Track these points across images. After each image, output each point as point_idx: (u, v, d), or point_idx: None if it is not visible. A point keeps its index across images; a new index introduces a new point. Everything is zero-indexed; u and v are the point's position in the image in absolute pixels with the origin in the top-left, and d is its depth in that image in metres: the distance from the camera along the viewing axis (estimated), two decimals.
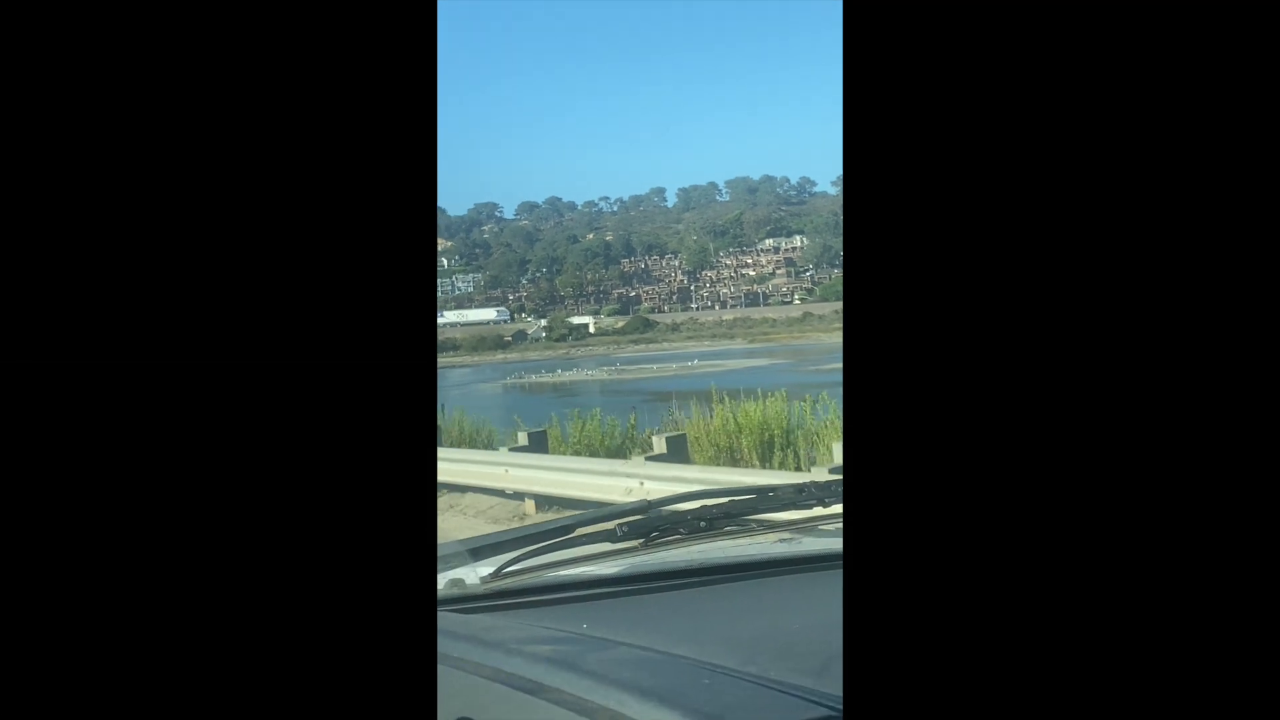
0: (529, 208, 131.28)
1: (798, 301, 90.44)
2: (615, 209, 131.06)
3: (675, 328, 78.68)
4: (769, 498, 1.49)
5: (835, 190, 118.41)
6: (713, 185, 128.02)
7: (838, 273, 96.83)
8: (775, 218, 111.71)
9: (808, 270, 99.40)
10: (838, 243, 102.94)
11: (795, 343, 61.04)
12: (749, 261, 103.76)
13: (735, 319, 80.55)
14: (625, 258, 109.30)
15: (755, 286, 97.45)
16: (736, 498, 1.46)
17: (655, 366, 45.19)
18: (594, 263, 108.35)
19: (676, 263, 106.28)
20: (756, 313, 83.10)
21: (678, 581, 1.24)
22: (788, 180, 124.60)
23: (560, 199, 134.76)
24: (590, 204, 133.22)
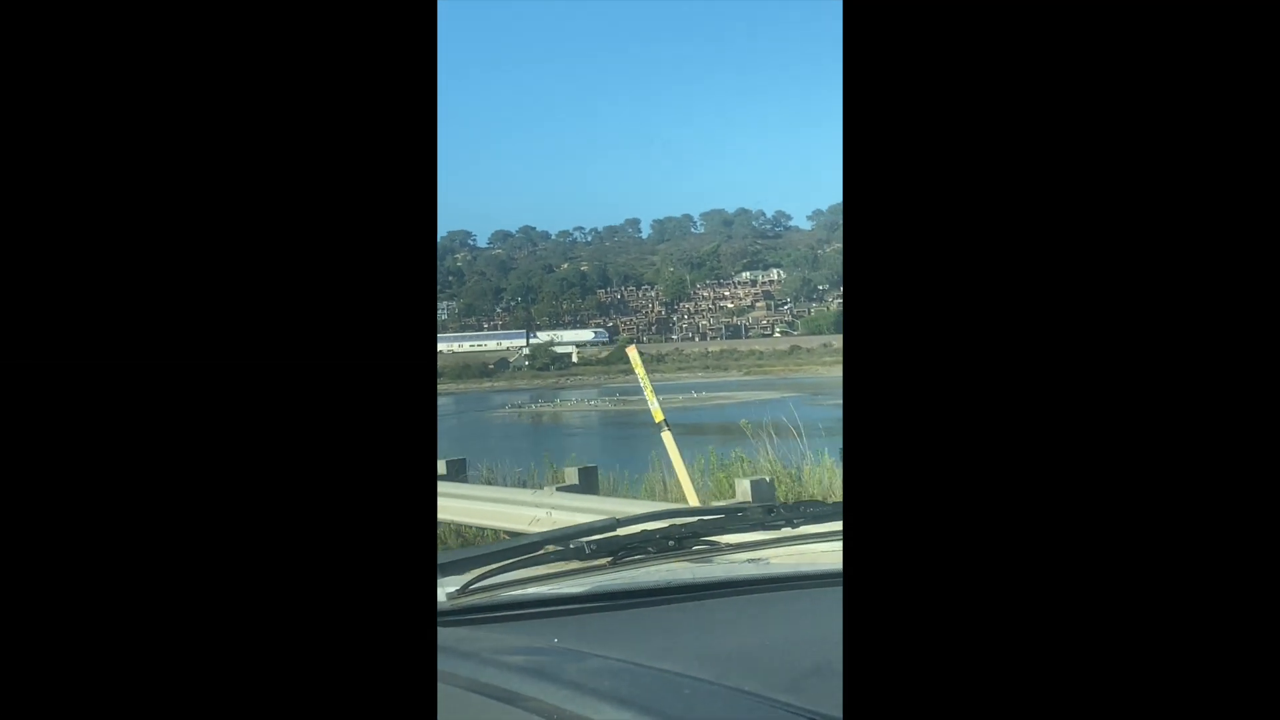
0: (502, 236, 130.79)
1: (778, 334, 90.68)
2: (590, 239, 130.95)
3: (661, 358, 78.35)
4: (737, 518, 1.50)
5: (810, 224, 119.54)
6: (687, 217, 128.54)
7: (817, 306, 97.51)
8: (751, 250, 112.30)
9: (786, 303, 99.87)
10: (816, 276, 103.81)
11: (796, 375, 60.93)
12: (726, 294, 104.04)
13: (721, 350, 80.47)
14: (601, 288, 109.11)
15: (735, 319, 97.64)
16: (705, 518, 1.48)
17: (661, 397, 44.29)
18: (570, 292, 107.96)
19: (653, 293, 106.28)
20: (742, 345, 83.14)
21: (646, 599, 1.23)
22: (763, 213, 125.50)
23: (534, 228, 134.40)
24: (564, 234, 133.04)
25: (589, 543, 1.35)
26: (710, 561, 1.46)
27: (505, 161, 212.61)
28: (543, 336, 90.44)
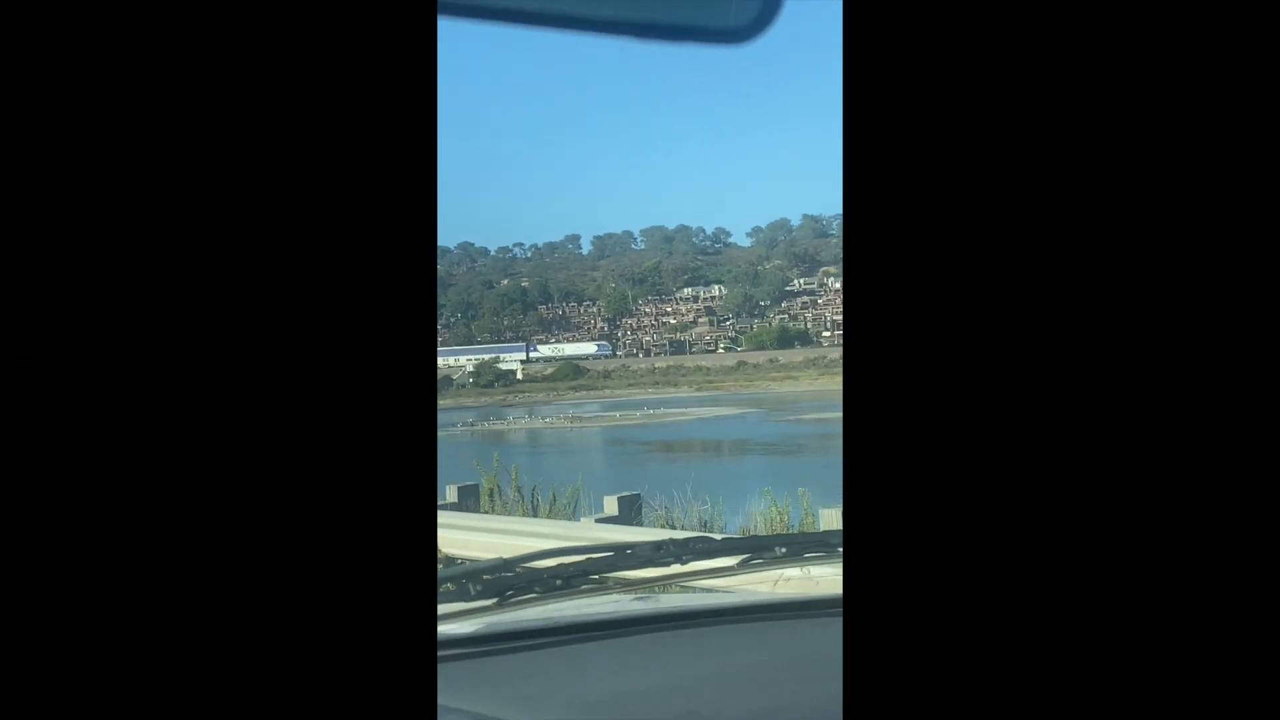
0: (441, 253, 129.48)
1: (721, 350, 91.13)
2: (529, 255, 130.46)
3: (608, 374, 78.17)
4: (627, 556, 1.49)
5: (750, 241, 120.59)
6: (628, 234, 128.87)
7: (759, 322, 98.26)
8: (692, 267, 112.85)
9: (728, 319, 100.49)
10: (757, 292, 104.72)
11: (747, 391, 61.23)
12: (669, 310, 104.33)
13: (668, 366, 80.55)
14: (542, 304, 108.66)
15: (678, 335, 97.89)
16: (594, 555, 1.47)
17: (619, 414, 44.55)
18: (511, 308, 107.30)
19: (595, 309, 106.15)
20: (689, 361, 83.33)
21: (528, 642, 1.24)
22: (703, 230, 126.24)
23: (473, 244, 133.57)
24: (504, 249, 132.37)
25: (475, 583, 1.34)
26: (600, 598, 1.46)
27: (442, 178, 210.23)
28: (544, 350, 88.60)
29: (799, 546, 1.63)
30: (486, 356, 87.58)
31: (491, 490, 8.48)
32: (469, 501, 8.04)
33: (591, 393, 68.45)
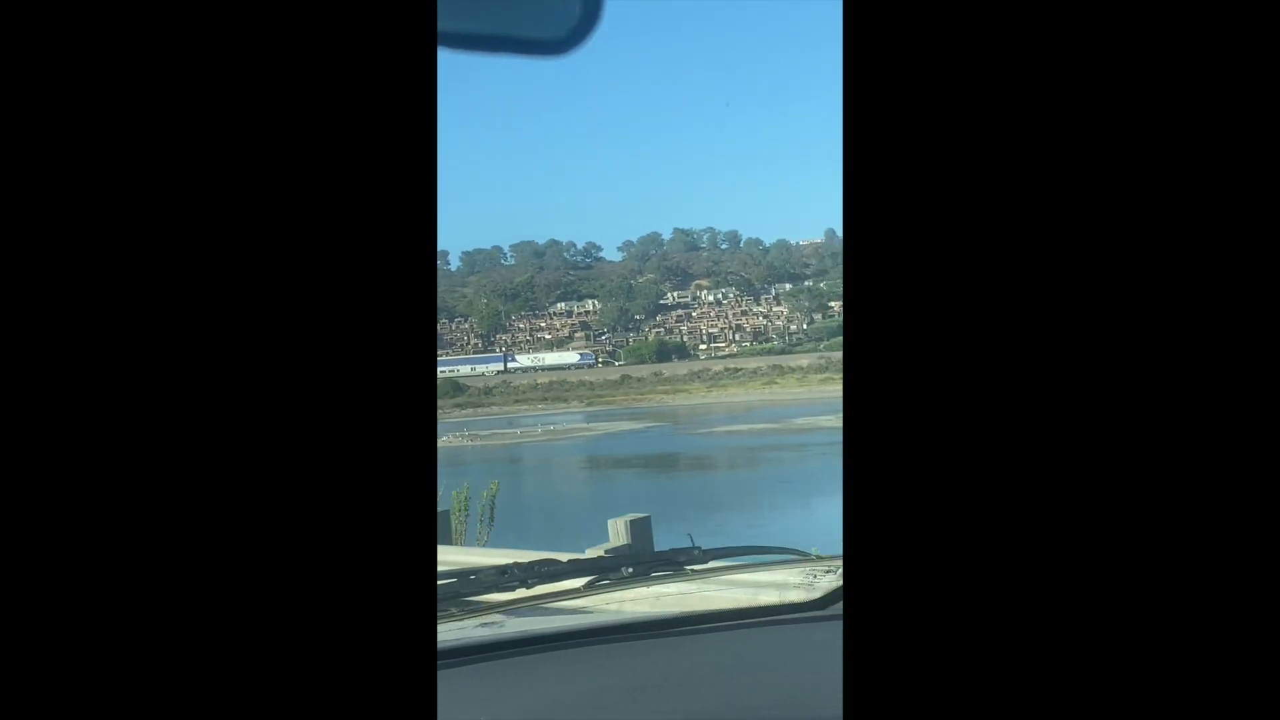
0: None
1: (600, 364, 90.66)
2: None
3: (489, 391, 76.47)
4: (470, 581, 1.49)
5: (621, 255, 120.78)
6: (497, 249, 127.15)
7: (635, 336, 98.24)
8: (565, 282, 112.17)
9: (604, 334, 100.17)
10: (632, 305, 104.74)
11: (640, 405, 60.76)
12: (543, 325, 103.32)
13: (551, 382, 79.42)
14: None
15: (555, 350, 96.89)
16: (439, 582, 1.46)
17: (520, 431, 43.59)
18: None
19: (468, 325, 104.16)
20: (571, 376, 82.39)
21: None
22: (574, 245, 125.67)
23: None
24: None
25: None
26: (442, 625, 1.42)
27: None
28: (524, 360, 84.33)
29: (645, 566, 1.62)
30: (464, 369, 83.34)
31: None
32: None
33: (478, 410, 66.58)
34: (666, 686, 1.26)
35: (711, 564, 1.74)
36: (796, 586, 1.80)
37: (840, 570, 1.75)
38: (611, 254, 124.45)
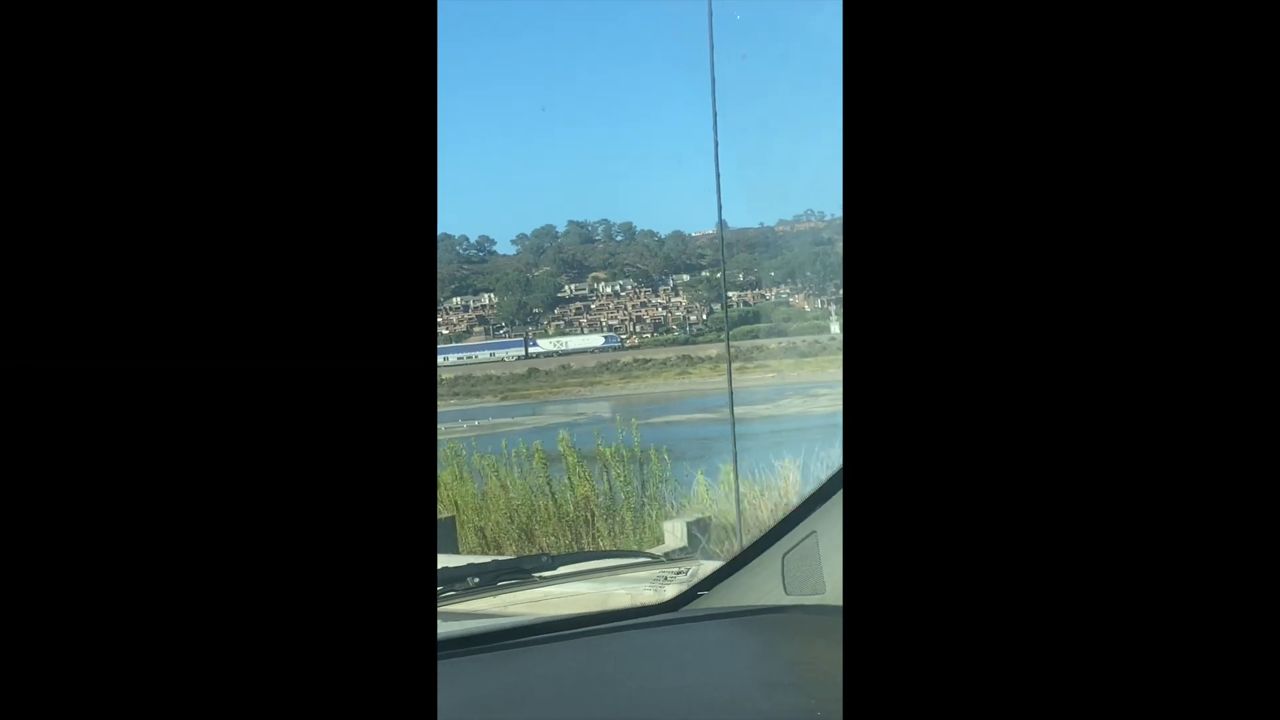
0: None
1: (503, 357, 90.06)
2: None
3: None
4: None
5: (515, 249, 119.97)
6: None
7: (534, 329, 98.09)
8: (459, 276, 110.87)
9: (502, 328, 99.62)
10: (530, 299, 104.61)
11: (559, 398, 60.95)
12: (440, 320, 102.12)
13: (456, 377, 78.54)
14: None
15: (454, 345, 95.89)
16: None
17: (444, 426, 43.57)
18: None
19: None
20: (476, 370, 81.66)
21: None
22: (467, 239, 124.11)
23: None
24: None
25: None
26: None
27: None
28: (544, 344, 79.03)
29: (491, 576, 1.62)
30: (481, 355, 78.70)
31: None
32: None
33: None
34: (504, 701, 1.17)
35: (560, 570, 1.73)
36: (647, 590, 1.79)
37: (690, 573, 1.78)
38: (505, 247, 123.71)
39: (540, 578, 1.63)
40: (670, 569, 1.85)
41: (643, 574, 1.92)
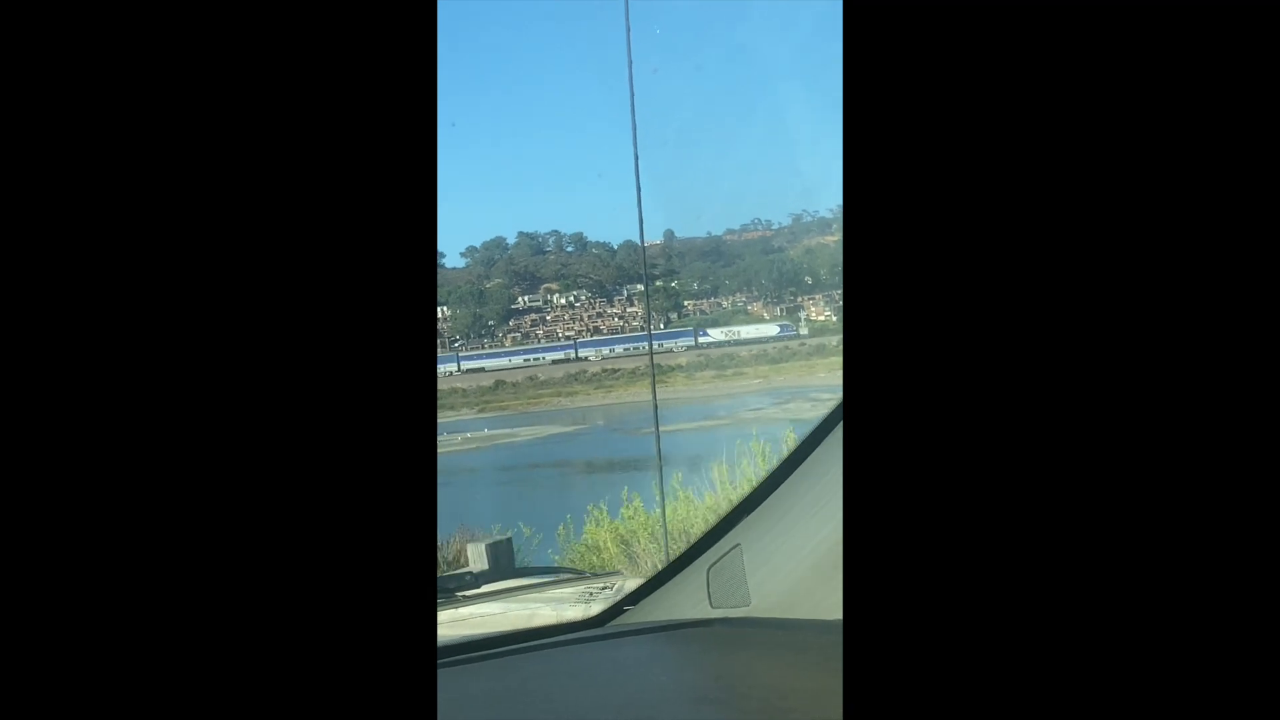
0: None
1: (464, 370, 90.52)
2: None
3: None
4: None
5: (465, 261, 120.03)
6: None
7: (489, 342, 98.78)
8: None
9: (457, 340, 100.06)
10: (485, 311, 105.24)
11: (539, 409, 62.27)
12: None
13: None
14: None
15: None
16: None
17: (442, 436, 45.11)
18: None
19: None
20: (443, 383, 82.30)
21: None
22: None
23: None
24: None
25: None
26: None
27: None
28: (714, 334, 75.47)
29: None
30: (640, 345, 75.72)
31: None
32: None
33: None
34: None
35: (484, 588, 1.67)
36: (573, 607, 1.69)
37: (616, 588, 1.73)
38: (455, 260, 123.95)
39: (463, 596, 1.56)
40: (595, 584, 1.80)
41: (567, 590, 1.84)
